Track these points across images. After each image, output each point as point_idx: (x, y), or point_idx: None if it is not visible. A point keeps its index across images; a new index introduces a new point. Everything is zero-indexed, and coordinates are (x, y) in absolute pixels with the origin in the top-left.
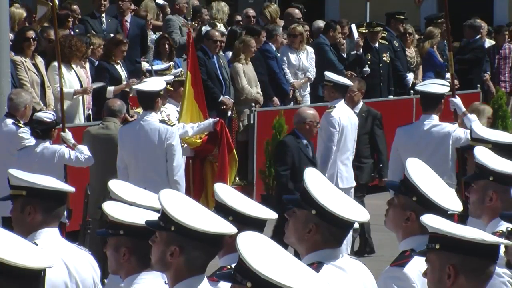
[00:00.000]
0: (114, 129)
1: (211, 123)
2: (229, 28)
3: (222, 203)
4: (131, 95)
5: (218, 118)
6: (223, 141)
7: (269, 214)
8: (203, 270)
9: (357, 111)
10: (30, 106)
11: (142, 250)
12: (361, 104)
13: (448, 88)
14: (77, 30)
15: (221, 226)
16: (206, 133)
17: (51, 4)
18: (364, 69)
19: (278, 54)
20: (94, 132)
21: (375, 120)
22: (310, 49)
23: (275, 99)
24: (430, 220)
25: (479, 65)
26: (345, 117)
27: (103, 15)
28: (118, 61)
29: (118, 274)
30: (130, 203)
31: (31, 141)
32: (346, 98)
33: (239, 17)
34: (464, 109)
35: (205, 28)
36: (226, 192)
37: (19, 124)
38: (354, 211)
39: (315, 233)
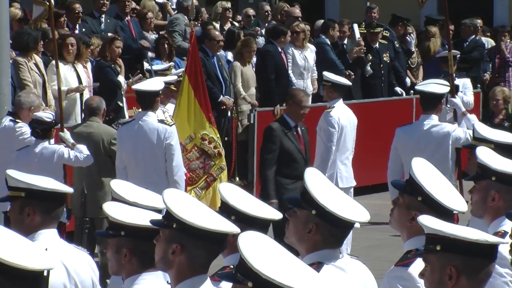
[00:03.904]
0: (96, 127)
1: None
2: (227, 28)
3: (225, 202)
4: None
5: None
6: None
7: (272, 214)
8: (205, 269)
9: None
10: (36, 110)
11: (143, 251)
12: None
13: (448, 88)
14: (83, 30)
15: (223, 224)
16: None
17: (48, 3)
18: (366, 69)
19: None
20: (76, 130)
21: None
22: (313, 47)
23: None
24: (428, 221)
25: (480, 64)
26: (344, 117)
27: (103, 15)
28: (115, 61)
29: (119, 275)
30: (132, 203)
31: (29, 134)
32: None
33: (239, 17)
34: (463, 109)
35: (199, 28)
36: (230, 191)
37: (16, 120)
38: (355, 211)
39: (315, 233)
